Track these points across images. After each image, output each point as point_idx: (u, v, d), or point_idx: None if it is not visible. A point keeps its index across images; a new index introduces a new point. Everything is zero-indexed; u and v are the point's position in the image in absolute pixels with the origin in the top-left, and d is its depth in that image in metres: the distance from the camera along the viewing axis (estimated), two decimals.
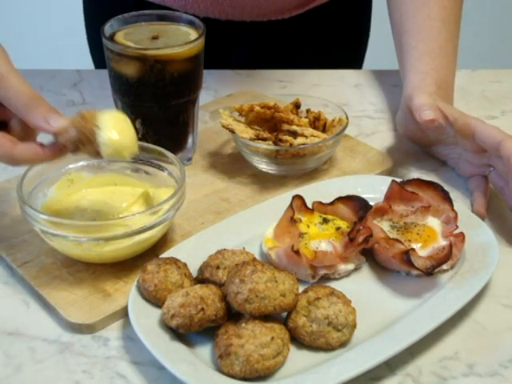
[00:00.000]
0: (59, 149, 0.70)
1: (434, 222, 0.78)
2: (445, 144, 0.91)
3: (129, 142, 0.70)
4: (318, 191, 0.84)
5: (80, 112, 0.70)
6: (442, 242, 0.76)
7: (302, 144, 0.86)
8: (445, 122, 0.85)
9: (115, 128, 0.69)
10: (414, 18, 0.99)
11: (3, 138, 0.69)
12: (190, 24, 0.90)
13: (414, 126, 0.91)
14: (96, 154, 0.69)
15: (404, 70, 0.97)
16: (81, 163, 0.84)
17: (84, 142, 0.68)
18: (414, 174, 0.92)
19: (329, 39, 1.23)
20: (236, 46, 1.19)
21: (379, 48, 1.06)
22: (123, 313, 0.71)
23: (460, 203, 0.84)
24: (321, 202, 0.80)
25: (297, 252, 0.72)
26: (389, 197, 0.81)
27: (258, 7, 1.12)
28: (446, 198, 0.80)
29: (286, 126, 0.89)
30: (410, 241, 0.76)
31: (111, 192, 0.83)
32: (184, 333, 0.66)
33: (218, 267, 0.72)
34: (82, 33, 1.31)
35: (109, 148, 0.68)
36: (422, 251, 0.75)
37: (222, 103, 1.05)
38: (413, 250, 0.73)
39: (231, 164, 0.93)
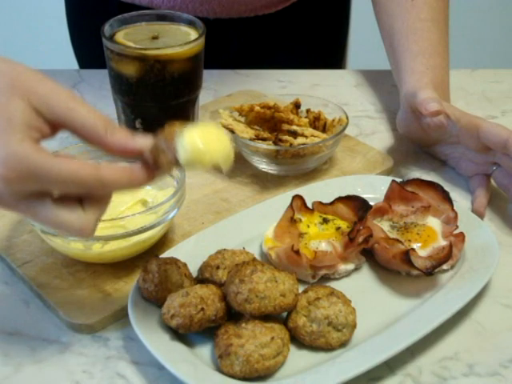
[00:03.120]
0: (146, 167, 0.62)
1: (434, 222, 0.78)
2: (446, 143, 0.91)
3: (214, 147, 0.61)
4: (318, 191, 0.84)
5: (169, 123, 0.63)
6: (442, 242, 0.76)
7: (302, 144, 0.86)
8: (447, 120, 0.85)
9: (198, 132, 0.61)
10: (403, 19, 1.00)
11: (84, 163, 0.59)
12: (190, 24, 0.90)
13: (415, 126, 0.91)
14: (174, 161, 0.60)
15: (398, 71, 0.97)
16: None
17: (164, 152, 0.61)
18: (414, 173, 0.92)
19: (313, 33, 1.24)
20: (223, 43, 1.19)
21: (377, 48, 1.06)
22: (123, 313, 0.71)
23: (460, 203, 0.84)
24: (321, 202, 0.80)
25: (297, 252, 0.72)
26: (389, 197, 0.81)
27: (245, 4, 1.14)
28: (446, 197, 0.80)
29: (286, 126, 0.89)
30: (410, 241, 0.76)
31: None
32: (184, 333, 0.66)
33: (217, 267, 0.72)
34: None
35: (187, 153, 0.60)
36: (422, 251, 0.75)
37: (222, 103, 1.05)
38: (413, 250, 0.73)
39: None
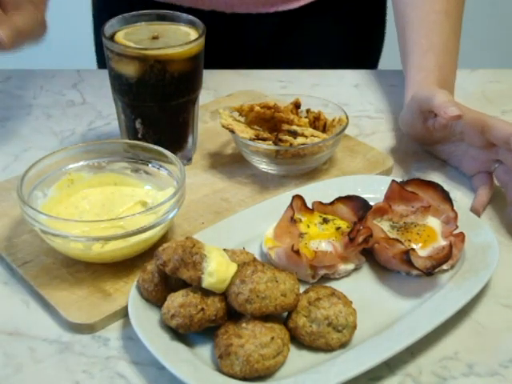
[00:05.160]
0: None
1: (434, 222, 0.78)
2: (449, 141, 0.91)
3: (229, 276, 0.67)
4: (318, 191, 0.84)
5: (187, 236, 0.70)
6: (442, 242, 0.76)
7: (302, 144, 0.86)
8: (457, 120, 0.85)
9: (221, 260, 0.67)
10: (417, 9, 0.99)
11: None
12: (190, 24, 0.90)
13: (419, 126, 0.91)
14: (196, 280, 0.66)
15: (407, 65, 0.97)
16: (81, 163, 0.84)
17: (187, 265, 0.66)
18: (414, 173, 0.92)
19: (340, 32, 1.21)
20: (242, 42, 1.17)
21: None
22: (123, 313, 0.71)
23: (460, 203, 0.84)
24: (321, 202, 0.80)
25: (297, 252, 0.72)
26: (389, 197, 0.81)
27: None
28: (446, 197, 0.80)
29: (285, 126, 0.89)
30: (409, 241, 0.76)
31: (111, 193, 0.83)
32: (184, 333, 0.66)
33: None
34: (82, 32, 1.31)
35: (213, 278, 0.66)
36: (422, 251, 0.75)
37: (222, 103, 1.05)
38: (413, 250, 0.73)
39: (231, 164, 0.93)
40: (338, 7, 1.18)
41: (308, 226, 0.77)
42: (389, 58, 1.34)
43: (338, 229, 0.77)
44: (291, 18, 1.15)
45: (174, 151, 0.83)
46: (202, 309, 0.65)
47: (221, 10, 1.10)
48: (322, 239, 0.76)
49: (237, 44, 1.16)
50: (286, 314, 0.68)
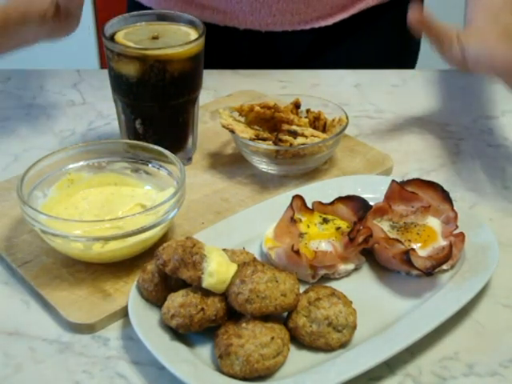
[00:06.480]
0: None
1: (434, 222, 0.78)
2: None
3: (229, 276, 0.67)
4: (317, 191, 0.84)
5: (187, 236, 0.70)
6: (442, 242, 0.76)
7: (302, 144, 0.86)
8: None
9: (221, 260, 0.68)
10: None
11: None
12: (190, 24, 0.90)
13: None
14: (196, 280, 0.66)
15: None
16: (81, 163, 0.84)
17: (187, 265, 0.66)
18: (414, 173, 0.92)
19: (373, 45, 1.19)
20: (275, 57, 1.16)
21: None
22: (123, 313, 0.71)
23: (460, 203, 0.84)
24: (321, 202, 0.80)
25: (297, 252, 0.72)
26: (389, 197, 0.81)
27: (299, 13, 1.09)
28: (446, 197, 0.80)
29: (285, 126, 0.89)
30: (409, 241, 0.76)
31: (110, 193, 0.83)
32: (184, 333, 0.66)
33: None
34: (82, 33, 1.30)
35: (213, 278, 0.66)
36: (422, 251, 0.75)
37: (222, 103, 1.05)
38: (413, 250, 0.73)
39: (231, 164, 0.93)
40: (373, 22, 1.17)
41: (308, 226, 0.77)
42: (426, 57, 1.31)
43: (338, 229, 0.77)
44: (325, 34, 1.14)
45: (174, 151, 0.83)
46: (202, 309, 0.65)
47: (255, 29, 1.10)
48: (322, 239, 0.76)
49: (270, 59, 1.15)
50: (286, 313, 0.68)
